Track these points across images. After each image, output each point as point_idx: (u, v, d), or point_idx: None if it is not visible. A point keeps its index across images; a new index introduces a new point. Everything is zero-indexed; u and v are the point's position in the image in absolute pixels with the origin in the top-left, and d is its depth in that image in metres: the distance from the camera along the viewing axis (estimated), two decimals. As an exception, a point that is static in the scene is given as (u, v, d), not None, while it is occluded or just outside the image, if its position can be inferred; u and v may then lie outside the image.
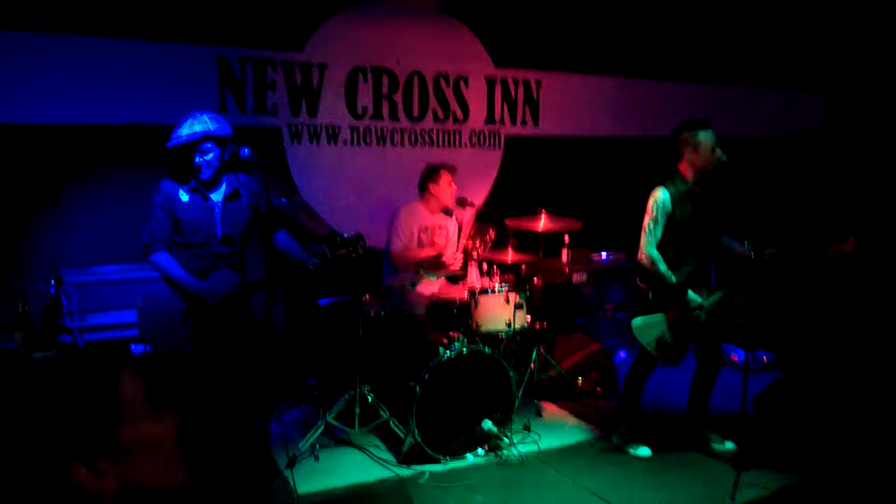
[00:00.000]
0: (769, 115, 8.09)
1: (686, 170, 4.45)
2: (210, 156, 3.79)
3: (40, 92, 4.80)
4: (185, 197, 3.86)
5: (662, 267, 4.36)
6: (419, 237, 5.40)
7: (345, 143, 5.92)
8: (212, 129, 3.78)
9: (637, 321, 4.49)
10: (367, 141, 6.01)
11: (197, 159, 3.78)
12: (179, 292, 3.96)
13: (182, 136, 3.75)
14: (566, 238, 6.25)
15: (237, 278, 4.06)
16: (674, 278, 4.36)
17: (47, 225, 4.91)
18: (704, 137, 4.39)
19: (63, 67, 4.84)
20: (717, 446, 4.68)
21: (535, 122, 6.80)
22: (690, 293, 4.36)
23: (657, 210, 4.39)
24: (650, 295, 4.51)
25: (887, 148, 7.52)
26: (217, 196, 3.97)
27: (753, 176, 4.31)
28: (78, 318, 4.42)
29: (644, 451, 4.64)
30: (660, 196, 4.40)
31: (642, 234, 4.44)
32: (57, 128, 4.87)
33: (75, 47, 4.87)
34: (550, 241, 6.02)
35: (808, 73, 8.13)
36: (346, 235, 4.02)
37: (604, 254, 6.49)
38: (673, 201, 4.38)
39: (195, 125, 3.75)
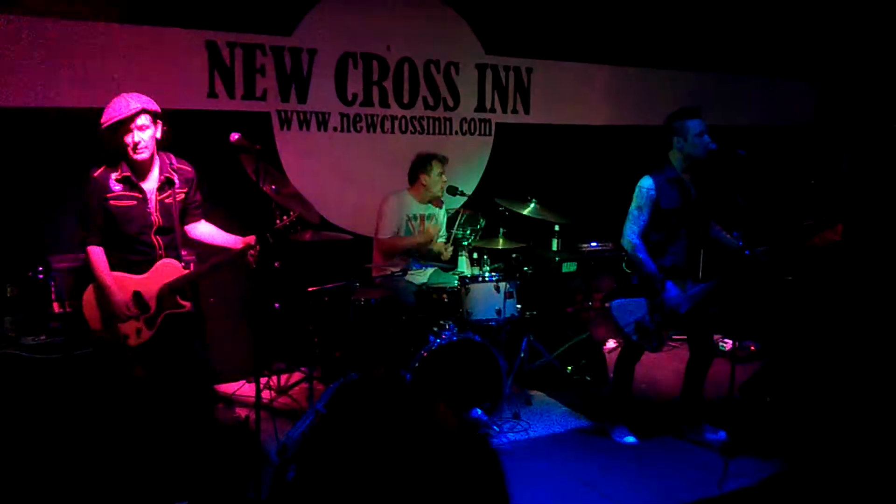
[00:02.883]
0: (760, 103, 8.11)
1: (675, 158, 4.47)
2: (147, 133, 3.71)
3: (29, 75, 4.75)
4: (116, 186, 3.77)
5: (642, 254, 4.40)
6: (407, 225, 5.39)
7: (335, 129, 5.89)
8: (147, 106, 3.72)
9: (617, 302, 4.52)
10: (358, 128, 5.98)
11: (135, 137, 3.68)
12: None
13: (118, 115, 3.65)
14: (556, 227, 6.26)
15: (178, 268, 3.94)
16: (653, 266, 4.38)
17: (36, 210, 4.87)
18: (693, 125, 4.40)
19: (50, 51, 4.78)
20: (710, 435, 4.71)
21: (526, 110, 6.78)
22: (669, 285, 4.37)
23: (642, 198, 4.42)
24: (633, 279, 4.55)
25: (876, 137, 7.55)
26: (149, 185, 3.85)
27: (745, 165, 4.31)
28: (67, 304, 4.39)
29: (631, 440, 4.68)
30: (644, 184, 4.43)
31: (627, 220, 4.47)
32: (44, 111, 4.82)
33: (63, 31, 4.80)
34: (540, 230, 6.03)
35: (798, 62, 8.14)
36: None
37: (593, 243, 6.50)
38: (658, 189, 4.40)
39: (131, 103, 3.68)
